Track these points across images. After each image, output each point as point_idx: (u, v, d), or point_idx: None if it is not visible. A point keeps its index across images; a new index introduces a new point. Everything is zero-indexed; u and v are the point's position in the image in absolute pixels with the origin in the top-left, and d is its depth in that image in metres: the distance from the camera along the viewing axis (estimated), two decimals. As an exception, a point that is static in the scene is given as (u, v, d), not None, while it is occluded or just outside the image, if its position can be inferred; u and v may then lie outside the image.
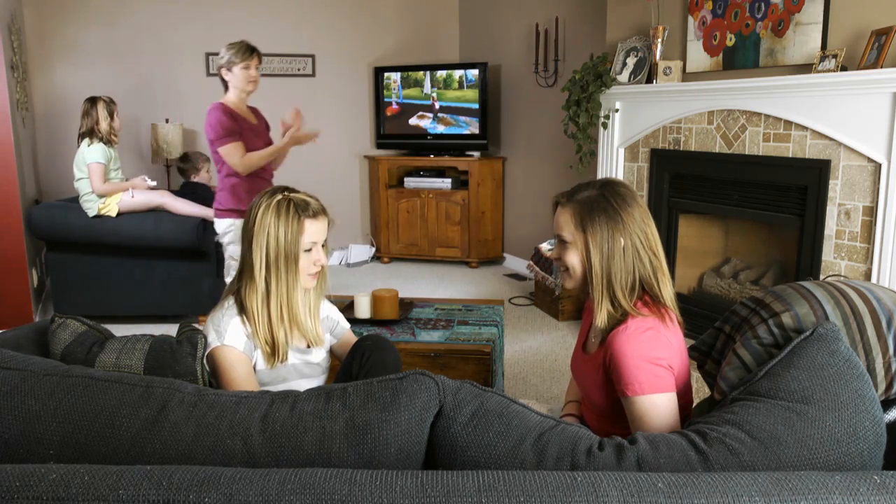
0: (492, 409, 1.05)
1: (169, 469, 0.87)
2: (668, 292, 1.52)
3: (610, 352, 1.46)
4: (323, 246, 1.78)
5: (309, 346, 1.86)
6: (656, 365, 1.42)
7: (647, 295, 1.50)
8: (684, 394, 1.49)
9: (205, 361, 1.63)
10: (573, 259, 1.52)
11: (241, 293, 1.73)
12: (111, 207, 3.94)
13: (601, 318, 1.48)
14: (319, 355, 1.89)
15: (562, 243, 1.54)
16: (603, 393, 1.54)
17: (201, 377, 1.53)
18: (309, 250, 1.73)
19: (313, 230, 1.73)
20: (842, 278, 1.59)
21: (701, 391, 3.10)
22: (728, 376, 1.36)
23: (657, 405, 1.41)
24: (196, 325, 1.70)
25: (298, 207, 1.71)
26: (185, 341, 1.57)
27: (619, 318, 1.48)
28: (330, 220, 1.80)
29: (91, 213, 3.93)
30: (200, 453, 1.00)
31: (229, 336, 1.68)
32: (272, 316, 1.72)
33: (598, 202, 1.49)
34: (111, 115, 3.97)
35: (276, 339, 1.73)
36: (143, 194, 4.06)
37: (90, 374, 1.11)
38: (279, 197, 1.72)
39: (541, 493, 0.85)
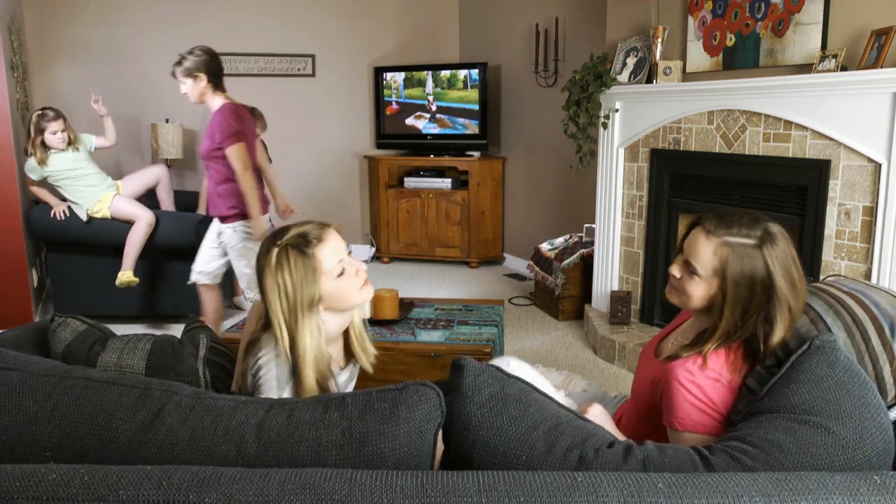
0: (511, 394, 1.06)
1: (169, 469, 0.87)
2: (773, 342, 1.37)
3: (667, 377, 1.42)
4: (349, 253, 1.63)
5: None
6: (707, 405, 1.38)
7: (742, 348, 1.41)
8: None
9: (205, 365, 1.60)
10: (697, 292, 1.44)
11: (285, 353, 1.55)
12: (103, 212, 3.97)
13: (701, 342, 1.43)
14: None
15: (689, 268, 1.44)
16: (646, 395, 1.53)
17: (203, 377, 1.53)
18: (342, 273, 1.58)
19: (329, 251, 1.56)
20: (841, 278, 1.57)
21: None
22: (737, 407, 1.35)
23: (697, 442, 1.36)
24: (201, 322, 1.69)
25: (299, 247, 1.54)
26: (187, 341, 1.56)
27: (697, 349, 1.42)
28: (336, 227, 1.65)
29: (83, 218, 3.95)
30: (195, 458, 1.00)
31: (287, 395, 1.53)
32: (307, 373, 1.54)
33: (753, 259, 1.36)
34: (30, 131, 3.88)
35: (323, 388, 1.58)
36: (130, 205, 4.01)
37: (89, 375, 1.11)
38: (275, 251, 1.54)
39: (541, 493, 0.85)
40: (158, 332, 1.63)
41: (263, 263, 1.55)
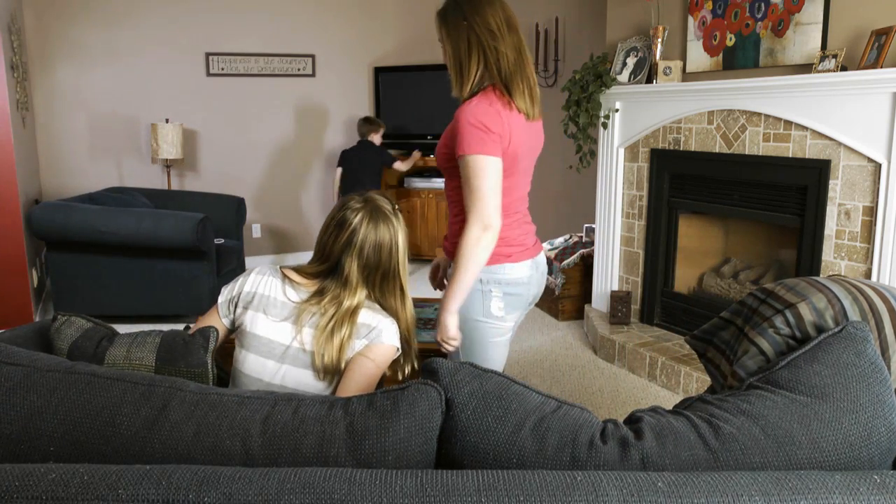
0: (491, 391, 1.05)
1: (168, 468, 0.87)
2: (520, 101, 1.73)
3: (454, 121, 1.73)
4: None
5: None
6: (484, 131, 1.65)
7: (499, 89, 1.73)
8: (511, 172, 1.75)
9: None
10: (444, 50, 1.85)
11: (384, 303, 1.63)
12: None
13: (454, 92, 1.80)
14: None
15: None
16: (444, 156, 1.81)
17: (211, 370, 1.54)
18: None
19: None
20: (842, 278, 1.58)
21: (698, 388, 3.10)
22: (746, 364, 1.34)
23: (481, 166, 1.65)
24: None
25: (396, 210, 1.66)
26: (198, 334, 1.58)
27: (469, 96, 1.74)
28: None
29: None
30: (199, 454, 1.00)
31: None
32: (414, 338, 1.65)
33: (453, 9, 1.78)
34: None
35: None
36: None
37: (93, 370, 1.11)
38: (397, 212, 1.65)
39: (541, 492, 0.85)
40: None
41: (392, 225, 1.60)
